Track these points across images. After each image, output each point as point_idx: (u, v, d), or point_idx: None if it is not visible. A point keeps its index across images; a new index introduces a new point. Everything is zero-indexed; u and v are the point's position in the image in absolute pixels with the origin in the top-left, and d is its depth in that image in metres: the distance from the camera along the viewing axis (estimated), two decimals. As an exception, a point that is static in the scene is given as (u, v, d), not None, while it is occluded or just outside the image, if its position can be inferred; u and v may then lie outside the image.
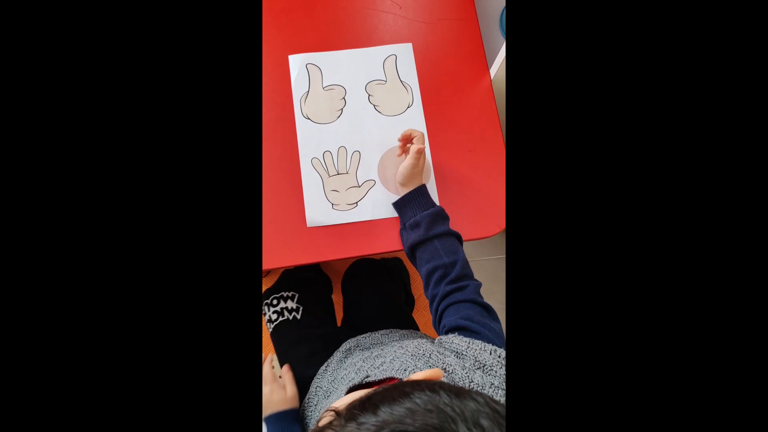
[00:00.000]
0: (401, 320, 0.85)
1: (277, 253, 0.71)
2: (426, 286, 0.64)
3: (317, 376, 0.69)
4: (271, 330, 0.83)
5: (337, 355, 0.70)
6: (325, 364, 0.70)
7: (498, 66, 0.74)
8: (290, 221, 0.72)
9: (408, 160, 0.66)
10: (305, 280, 0.88)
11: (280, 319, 0.81)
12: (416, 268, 0.66)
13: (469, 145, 0.76)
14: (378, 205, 0.72)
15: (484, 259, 1.36)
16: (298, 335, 0.79)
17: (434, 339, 0.62)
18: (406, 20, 0.81)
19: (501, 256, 1.37)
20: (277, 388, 0.67)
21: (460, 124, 0.77)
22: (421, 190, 0.68)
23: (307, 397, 0.68)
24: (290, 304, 0.82)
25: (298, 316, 0.81)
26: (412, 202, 0.67)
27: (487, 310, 0.57)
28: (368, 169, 0.74)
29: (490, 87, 0.78)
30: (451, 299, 0.59)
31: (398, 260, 1.06)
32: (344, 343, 0.71)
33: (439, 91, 0.78)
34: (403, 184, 0.68)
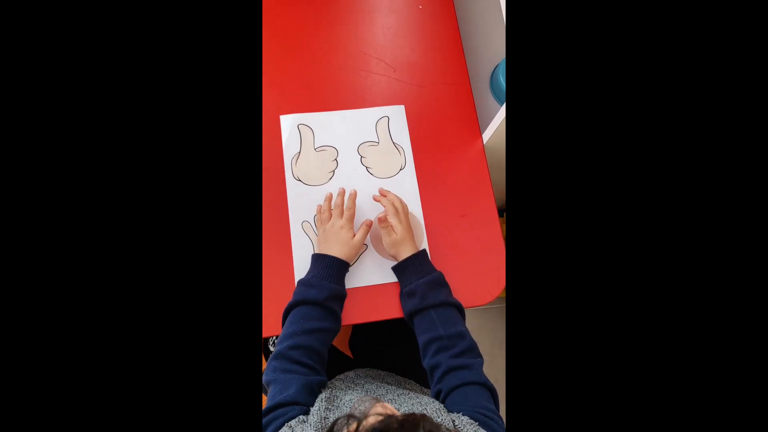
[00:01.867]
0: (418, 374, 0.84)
1: (266, 322, 0.69)
2: (423, 356, 0.62)
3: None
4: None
5: (356, 372, 0.69)
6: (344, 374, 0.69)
7: (492, 131, 0.73)
8: (279, 287, 0.70)
9: (384, 236, 0.66)
10: None
11: None
12: (416, 335, 0.65)
13: (462, 210, 0.75)
14: (370, 272, 0.71)
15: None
16: None
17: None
18: (400, 83, 0.81)
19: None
20: (349, 227, 0.66)
21: (453, 188, 0.76)
22: (419, 256, 0.66)
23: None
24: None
25: None
26: (409, 269, 0.66)
27: (492, 394, 0.56)
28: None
29: (482, 151, 0.78)
30: (457, 378, 0.57)
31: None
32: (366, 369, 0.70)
33: (431, 154, 0.77)
34: (395, 255, 0.67)
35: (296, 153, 0.75)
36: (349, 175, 0.74)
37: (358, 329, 0.92)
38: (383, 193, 0.70)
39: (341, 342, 1.04)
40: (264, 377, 0.57)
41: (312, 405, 0.53)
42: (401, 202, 0.69)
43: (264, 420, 0.52)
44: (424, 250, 0.67)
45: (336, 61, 0.82)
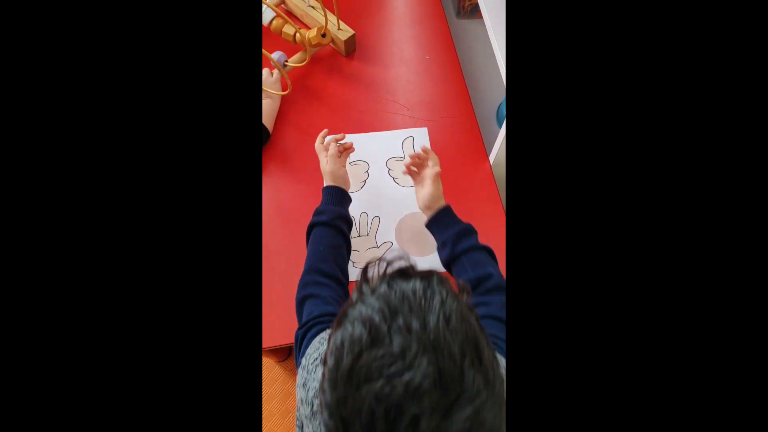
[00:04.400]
0: None
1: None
2: (475, 293, 0.67)
3: None
4: None
5: None
6: None
7: (497, 151, 0.87)
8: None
9: (428, 188, 0.72)
10: None
11: None
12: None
13: (476, 224, 0.85)
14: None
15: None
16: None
17: None
18: (414, 119, 0.97)
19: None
20: (334, 160, 0.75)
21: (466, 204, 0.87)
22: (446, 211, 0.72)
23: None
24: None
25: None
26: (439, 223, 0.72)
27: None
28: (386, 233, 0.83)
29: (490, 172, 0.92)
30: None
31: None
32: None
33: (446, 172, 0.90)
34: (429, 208, 0.73)
35: (333, 167, 0.88)
36: (378, 184, 0.87)
37: None
38: (426, 150, 0.75)
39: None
40: (298, 294, 0.63)
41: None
42: (432, 156, 0.76)
43: (306, 327, 0.57)
44: (448, 206, 0.73)
45: (361, 105, 0.99)
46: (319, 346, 0.54)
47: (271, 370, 1.36)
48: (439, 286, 0.36)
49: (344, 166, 0.78)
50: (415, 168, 0.75)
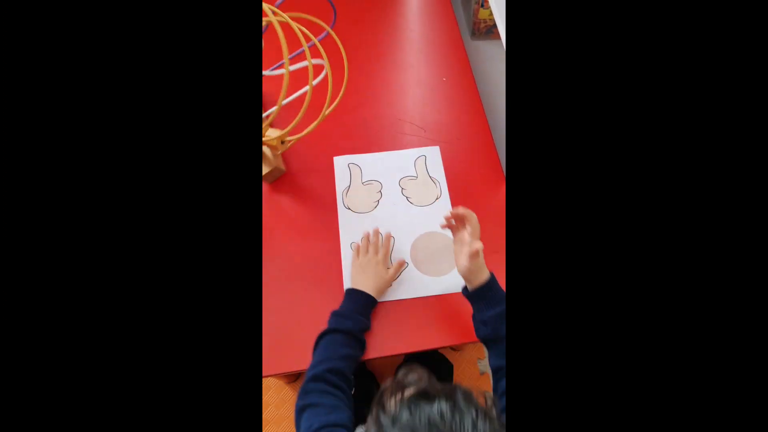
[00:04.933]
0: None
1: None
2: (493, 381, 0.64)
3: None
4: None
5: None
6: None
7: None
8: (332, 305, 0.77)
9: (465, 263, 0.64)
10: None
11: None
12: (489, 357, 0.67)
13: (493, 247, 0.84)
14: (410, 284, 0.79)
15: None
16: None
17: None
18: (430, 140, 0.96)
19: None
20: (384, 264, 0.74)
21: (485, 225, 0.85)
22: (489, 286, 0.65)
23: None
24: None
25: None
26: (480, 299, 0.65)
27: None
28: (401, 252, 0.82)
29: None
30: None
31: (443, 357, 1.04)
32: None
33: (462, 192, 0.89)
34: (469, 280, 0.66)
35: (347, 186, 0.88)
36: (391, 204, 0.86)
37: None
38: (462, 213, 0.67)
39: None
40: (300, 401, 0.57)
41: (351, 426, 0.55)
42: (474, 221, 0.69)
43: None
44: (493, 276, 0.66)
45: (374, 126, 0.98)
46: None
47: (280, 390, 1.34)
48: (467, 405, 0.34)
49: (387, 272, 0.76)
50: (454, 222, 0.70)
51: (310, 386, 0.59)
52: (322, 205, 0.86)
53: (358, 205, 0.86)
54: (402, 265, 0.77)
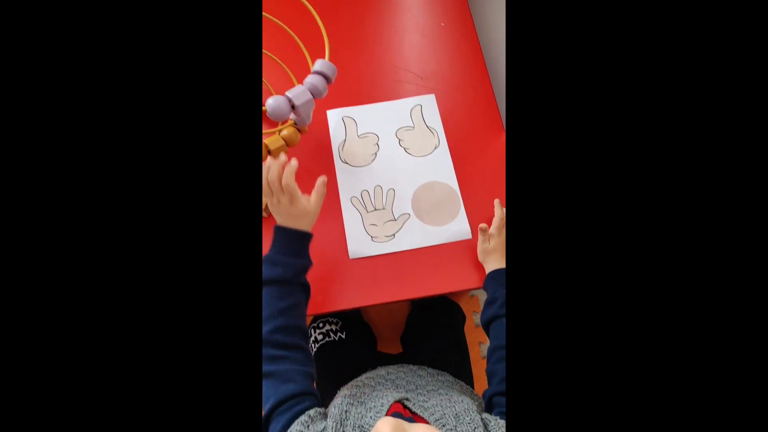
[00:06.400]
0: (457, 368, 0.85)
1: (323, 293, 0.75)
2: (487, 361, 0.64)
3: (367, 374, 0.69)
4: (314, 351, 0.85)
5: (387, 369, 0.71)
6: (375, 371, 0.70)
7: None
8: (335, 257, 0.77)
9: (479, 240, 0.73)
10: (349, 317, 0.92)
11: (326, 339, 0.83)
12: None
13: (492, 197, 0.82)
14: (414, 235, 0.78)
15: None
16: (343, 355, 0.80)
17: (481, 401, 0.62)
18: (427, 88, 0.93)
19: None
20: (296, 200, 0.61)
21: (481, 177, 0.84)
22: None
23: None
24: (334, 328, 0.84)
25: (343, 336, 0.83)
26: (495, 280, 0.70)
27: None
28: (403, 204, 0.80)
29: (505, 144, 0.87)
30: None
31: (455, 303, 1.03)
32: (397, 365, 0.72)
33: (461, 143, 0.87)
34: (483, 262, 0.73)
35: (342, 140, 0.86)
36: (389, 156, 0.84)
37: (411, 325, 0.96)
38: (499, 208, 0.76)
39: (391, 339, 1.08)
40: None
41: (312, 391, 0.53)
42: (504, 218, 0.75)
43: (273, 414, 0.49)
44: None
45: (370, 74, 0.95)
46: None
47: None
48: None
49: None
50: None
51: (263, 351, 0.54)
52: (319, 161, 0.84)
53: (355, 158, 0.84)
54: (324, 184, 0.64)
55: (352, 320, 0.88)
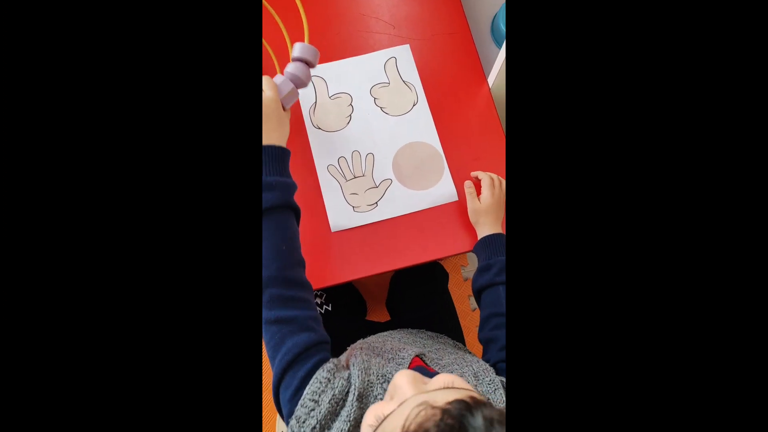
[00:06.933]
0: (450, 330, 0.84)
1: (306, 270, 0.70)
2: (481, 329, 0.63)
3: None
4: None
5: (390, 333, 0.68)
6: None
7: (495, 74, 0.76)
8: (315, 231, 0.73)
9: (467, 199, 0.71)
10: (334, 288, 0.89)
11: None
12: (480, 310, 0.65)
13: (475, 153, 0.78)
14: (397, 202, 0.74)
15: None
16: (330, 327, 0.77)
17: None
18: (401, 38, 0.84)
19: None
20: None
21: (464, 133, 0.79)
22: (504, 237, 0.67)
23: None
24: (319, 301, 0.82)
25: (329, 309, 0.81)
26: (490, 246, 0.67)
27: None
28: (383, 169, 0.75)
29: (489, 96, 0.81)
30: None
31: (437, 262, 1.01)
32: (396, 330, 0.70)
33: (441, 97, 0.80)
34: (475, 224, 0.71)
35: (312, 103, 0.79)
36: (365, 117, 0.78)
37: (394, 290, 0.94)
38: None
39: (378, 300, 1.06)
40: (266, 314, 0.48)
41: (327, 339, 0.51)
42: (499, 179, 0.72)
43: (281, 374, 0.46)
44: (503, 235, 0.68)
45: (336, 27, 0.86)
46: (313, 405, 0.42)
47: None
48: None
49: None
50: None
51: (273, 292, 0.49)
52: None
53: (329, 123, 0.78)
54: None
55: (338, 292, 0.86)
